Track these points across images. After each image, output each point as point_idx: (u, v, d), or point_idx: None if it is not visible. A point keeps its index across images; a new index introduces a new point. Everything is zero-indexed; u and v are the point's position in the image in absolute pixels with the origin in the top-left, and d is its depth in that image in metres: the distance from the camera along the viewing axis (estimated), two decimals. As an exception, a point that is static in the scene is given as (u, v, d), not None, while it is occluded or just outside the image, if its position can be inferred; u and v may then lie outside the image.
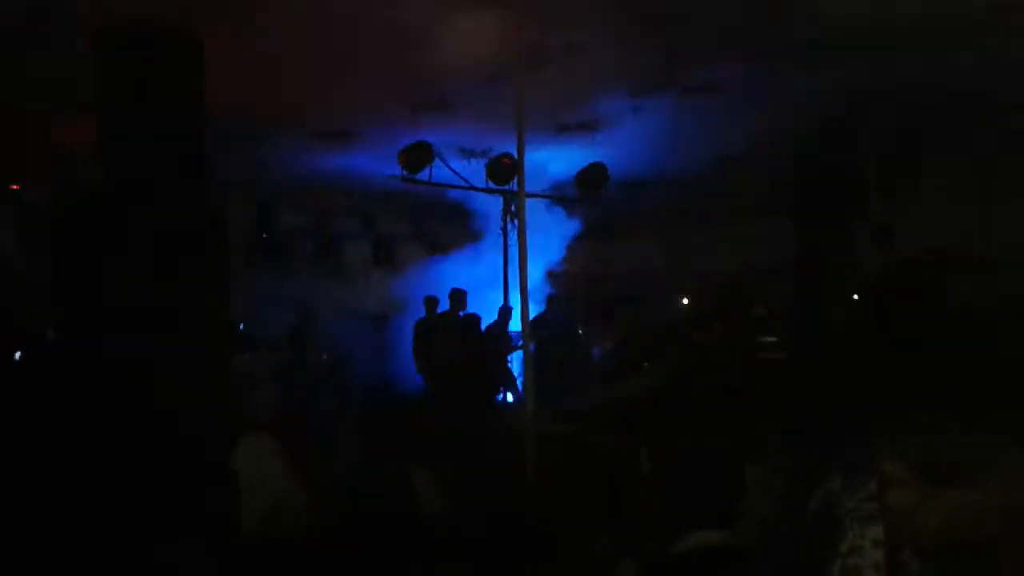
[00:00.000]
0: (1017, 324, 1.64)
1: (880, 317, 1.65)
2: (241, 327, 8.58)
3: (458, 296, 10.37)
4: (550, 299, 11.10)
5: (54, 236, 6.02)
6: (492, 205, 10.14)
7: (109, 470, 4.20)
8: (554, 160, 9.42)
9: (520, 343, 9.29)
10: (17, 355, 5.62)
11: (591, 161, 9.56)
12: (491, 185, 9.00)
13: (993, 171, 9.58)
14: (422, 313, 10.66)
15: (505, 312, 9.92)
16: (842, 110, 8.89)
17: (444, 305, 10.50)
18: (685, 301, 13.24)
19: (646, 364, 10.27)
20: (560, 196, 9.95)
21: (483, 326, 9.87)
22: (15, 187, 9.83)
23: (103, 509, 4.05)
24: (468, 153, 9.65)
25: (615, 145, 9.40)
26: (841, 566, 1.48)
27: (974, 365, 1.56)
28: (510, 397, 10.36)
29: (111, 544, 3.77)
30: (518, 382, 10.03)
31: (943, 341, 1.58)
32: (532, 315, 7.30)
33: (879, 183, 9.92)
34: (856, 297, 8.59)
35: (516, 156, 7.94)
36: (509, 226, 9.35)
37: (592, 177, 9.59)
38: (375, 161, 9.83)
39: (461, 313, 9.96)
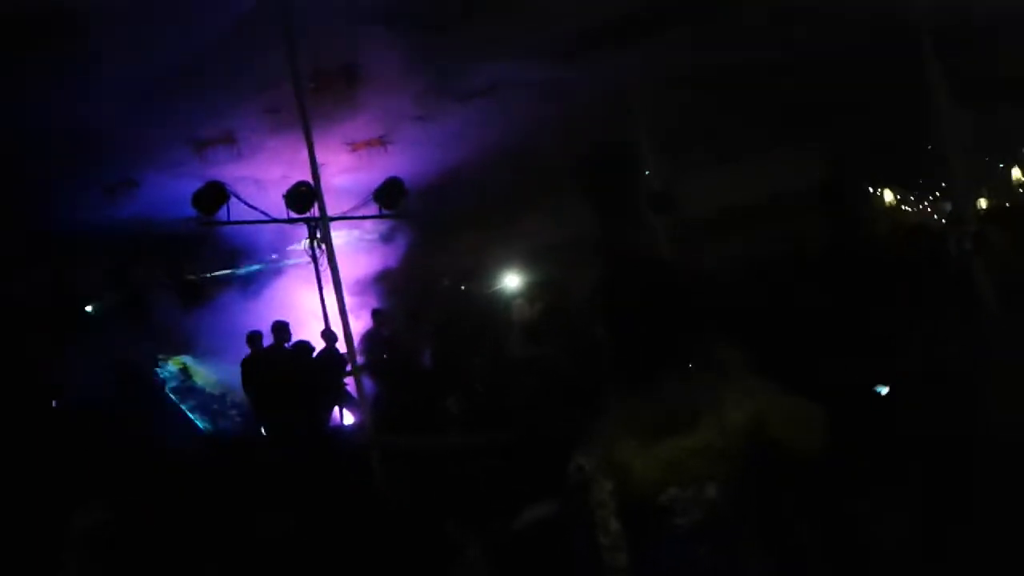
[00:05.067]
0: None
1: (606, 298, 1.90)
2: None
3: (281, 328, 10.25)
4: (375, 313, 11.06)
5: None
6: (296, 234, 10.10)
7: None
8: (352, 180, 9.55)
9: (350, 365, 9.29)
10: None
11: (388, 177, 9.74)
12: (292, 215, 8.94)
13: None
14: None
15: (328, 336, 9.87)
16: (614, 93, 9.57)
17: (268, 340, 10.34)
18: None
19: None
20: (361, 216, 10.04)
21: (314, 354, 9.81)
22: None
23: None
24: (263, 185, 9.56)
25: (408, 157, 9.66)
26: (594, 520, 1.73)
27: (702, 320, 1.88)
28: (349, 418, 10.31)
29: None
30: (353, 401, 9.97)
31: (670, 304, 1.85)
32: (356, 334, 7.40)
33: (656, 154, 10.73)
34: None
35: (312, 183, 8.01)
36: (318, 252, 9.35)
37: (391, 192, 9.77)
38: (169, 206, 9.49)
39: (287, 344, 9.85)
